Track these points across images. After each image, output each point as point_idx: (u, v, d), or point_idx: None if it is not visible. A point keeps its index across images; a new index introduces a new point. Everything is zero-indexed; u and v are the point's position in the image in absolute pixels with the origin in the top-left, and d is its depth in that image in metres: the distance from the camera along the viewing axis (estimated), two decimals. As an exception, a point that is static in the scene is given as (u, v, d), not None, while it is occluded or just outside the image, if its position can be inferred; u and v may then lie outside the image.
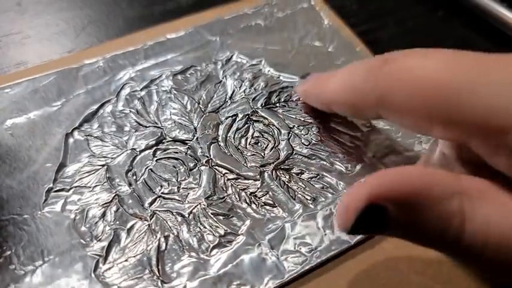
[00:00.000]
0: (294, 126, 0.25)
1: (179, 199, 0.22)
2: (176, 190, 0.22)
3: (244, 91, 0.26)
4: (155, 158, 0.23)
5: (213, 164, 0.23)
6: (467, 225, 0.13)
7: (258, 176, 0.22)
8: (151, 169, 0.22)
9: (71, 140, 0.23)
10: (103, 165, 0.22)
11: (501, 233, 0.13)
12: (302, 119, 0.25)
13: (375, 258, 0.20)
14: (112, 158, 0.23)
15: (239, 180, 0.22)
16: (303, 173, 0.23)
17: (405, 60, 0.16)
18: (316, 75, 0.23)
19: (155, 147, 0.23)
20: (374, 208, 0.14)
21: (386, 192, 0.14)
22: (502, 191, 0.14)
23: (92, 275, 0.19)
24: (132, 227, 0.21)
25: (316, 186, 0.22)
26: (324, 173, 0.23)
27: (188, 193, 0.22)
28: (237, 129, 0.24)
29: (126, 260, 0.20)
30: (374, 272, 0.20)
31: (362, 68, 0.18)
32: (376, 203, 0.14)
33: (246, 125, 0.25)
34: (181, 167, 0.23)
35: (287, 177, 0.23)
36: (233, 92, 0.26)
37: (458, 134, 0.15)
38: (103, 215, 0.21)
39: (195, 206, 0.21)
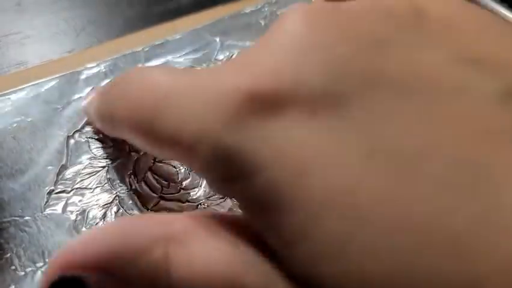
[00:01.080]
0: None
1: (180, 199, 0.22)
2: (176, 191, 0.22)
3: (244, 91, 0.26)
4: (156, 159, 0.23)
5: (213, 165, 0.23)
6: (173, 271, 0.12)
7: (258, 177, 0.22)
8: (151, 170, 0.23)
9: (72, 142, 0.23)
10: (103, 167, 0.23)
11: (205, 272, 0.12)
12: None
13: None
14: (112, 159, 0.23)
15: (239, 180, 0.22)
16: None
17: (129, 78, 0.15)
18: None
19: (155, 148, 0.23)
20: (68, 280, 0.12)
21: (79, 259, 0.12)
22: (216, 225, 0.13)
23: (93, 276, 0.19)
24: (132, 228, 0.21)
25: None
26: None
27: (188, 193, 0.22)
28: (237, 129, 0.24)
29: (127, 261, 0.20)
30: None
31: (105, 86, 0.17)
32: (68, 274, 0.12)
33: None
34: (181, 167, 0.23)
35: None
36: (233, 92, 0.26)
37: (158, 149, 0.14)
38: (104, 216, 0.21)
39: (196, 206, 0.21)
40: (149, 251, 0.12)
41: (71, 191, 0.22)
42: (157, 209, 0.21)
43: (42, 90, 0.25)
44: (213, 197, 0.22)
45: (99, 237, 0.12)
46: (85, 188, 0.22)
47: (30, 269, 0.19)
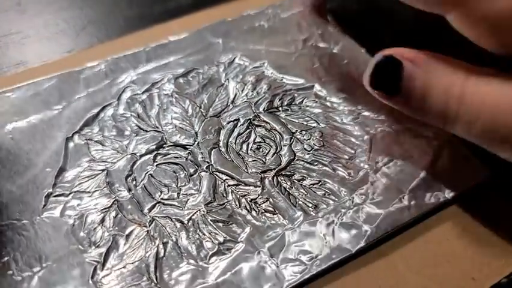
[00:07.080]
0: (296, 131, 0.24)
1: (179, 205, 0.21)
2: (176, 196, 0.22)
3: (246, 94, 0.26)
4: (156, 163, 0.23)
5: (213, 170, 0.23)
6: (464, 103, 0.17)
7: (259, 183, 0.22)
8: (151, 174, 0.22)
9: (71, 144, 0.23)
10: (102, 170, 0.22)
11: (492, 112, 0.17)
12: (305, 123, 0.25)
13: (372, 258, 0.20)
14: (112, 162, 0.23)
15: (239, 186, 0.22)
16: (305, 179, 0.22)
17: None
18: None
19: (155, 152, 0.23)
20: (389, 60, 0.19)
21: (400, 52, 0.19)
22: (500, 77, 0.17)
23: (90, 281, 0.19)
24: (131, 233, 0.20)
25: (318, 193, 0.22)
26: (326, 179, 0.22)
27: (188, 199, 0.22)
28: (239, 134, 0.24)
29: (124, 267, 0.19)
30: (371, 271, 0.20)
31: None
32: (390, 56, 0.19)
33: (248, 130, 0.24)
34: (181, 172, 0.23)
35: (288, 183, 0.22)
36: (235, 95, 0.26)
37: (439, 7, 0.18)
38: (102, 220, 0.21)
39: (195, 213, 0.21)
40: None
41: (69, 194, 0.21)
42: (155, 213, 0.21)
43: (42, 89, 0.25)
44: (213, 203, 0.21)
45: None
46: (84, 191, 0.22)
47: (27, 273, 0.19)
